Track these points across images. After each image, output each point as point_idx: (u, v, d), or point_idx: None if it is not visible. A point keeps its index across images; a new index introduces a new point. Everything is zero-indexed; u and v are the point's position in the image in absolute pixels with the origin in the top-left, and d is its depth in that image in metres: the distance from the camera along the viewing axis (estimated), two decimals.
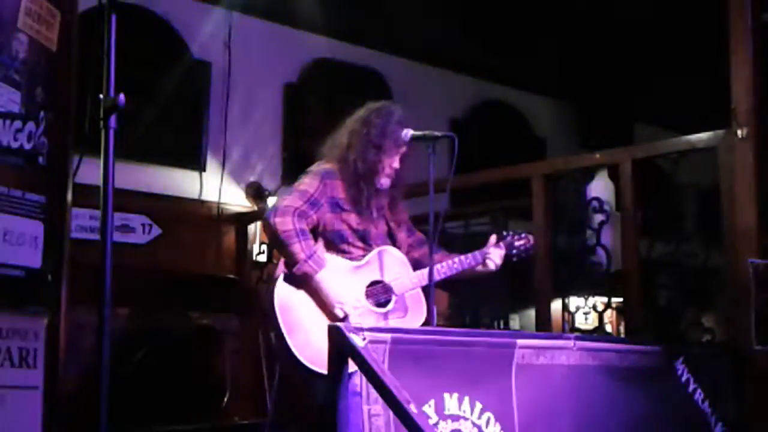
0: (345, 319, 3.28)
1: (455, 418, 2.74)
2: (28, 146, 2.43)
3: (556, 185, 4.94)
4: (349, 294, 3.34)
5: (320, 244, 3.42)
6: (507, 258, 3.75)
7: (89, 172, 2.48)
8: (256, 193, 6.74)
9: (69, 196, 2.61)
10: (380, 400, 2.44)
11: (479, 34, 7.39)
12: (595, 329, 5.06)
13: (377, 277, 3.47)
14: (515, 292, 5.84)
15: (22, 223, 2.40)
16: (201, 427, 4.83)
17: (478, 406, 2.80)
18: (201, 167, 6.63)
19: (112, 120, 2.32)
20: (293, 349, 3.19)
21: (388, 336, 2.58)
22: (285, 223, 3.29)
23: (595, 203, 4.83)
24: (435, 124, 6.68)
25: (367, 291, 3.43)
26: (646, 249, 4.51)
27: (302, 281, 3.30)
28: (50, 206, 2.51)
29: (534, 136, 8.99)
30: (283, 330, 3.21)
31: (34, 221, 2.45)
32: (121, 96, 2.32)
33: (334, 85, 7.20)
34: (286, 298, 3.29)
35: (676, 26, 6.97)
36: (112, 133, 2.32)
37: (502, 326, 5.85)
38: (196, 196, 6.58)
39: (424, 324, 3.48)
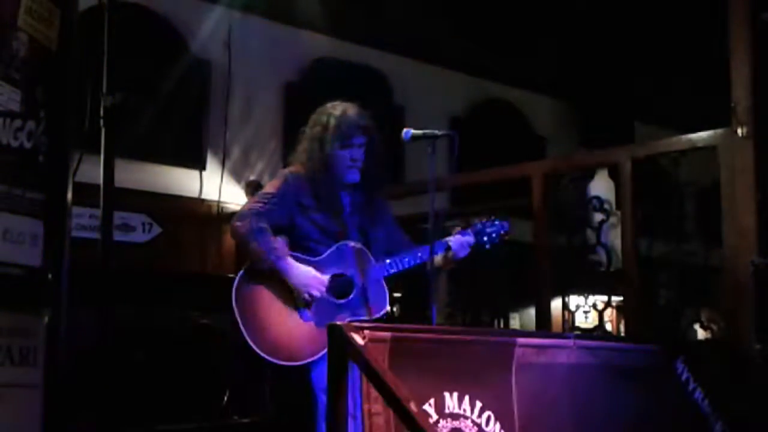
0: (312, 302, 3.42)
1: (455, 416, 2.75)
2: (28, 145, 2.42)
3: (556, 184, 4.94)
4: (313, 278, 3.44)
5: (282, 241, 3.52)
6: (479, 246, 3.74)
7: (89, 170, 2.48)
8: (256, 191, 6.73)
9: (69, 195, 2.61)
10: (380, 398, 2.44)
11: (480, 33, 7.39)
12: (595, 328, 5.06)
13: (338, 270, 3.53)
14: (515, 291, 5.85)
15: (22, 221, 2.40)
16: (201, 426, 4.82)
17: (478, 404, 2.80)
18: (201, 166, 6.63)
19: (112, 118, 2.33)
20: (247, 339, 3.32)
21: (388, 335, 2.58)
22: (244, 225, 3.44)
23: (595, 202, 4.83)
24: (435, 122, 6.69)
25: (328, 283, 3.50)
26: (646, 248, 4.51)
27: (265, 275, 3.42)
28: (50, 205, 2.51)
29: (534, 135, 8.99)
30: (239, 321, 3.34)
31: (34, 220, 2.45)
32: (121, 94, 2.33)
33: (334, 83, 7.17)
34: (242, 291, 3.41)
35: (676, 25, 6.97)
36: (112, 131, 2.33)
37: (502, 325, 5.85)
38: (196, 195, 6.59)
39: (424, 323, 3.49)
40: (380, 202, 3.78)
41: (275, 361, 3.29)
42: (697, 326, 4.42)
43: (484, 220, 3.81)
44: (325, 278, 3.47)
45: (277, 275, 3.41)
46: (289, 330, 3.37)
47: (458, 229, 3.78)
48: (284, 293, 3.44)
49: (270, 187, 3.61)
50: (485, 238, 3.76)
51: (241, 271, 3.47)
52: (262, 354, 3.30)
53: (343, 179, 3.61)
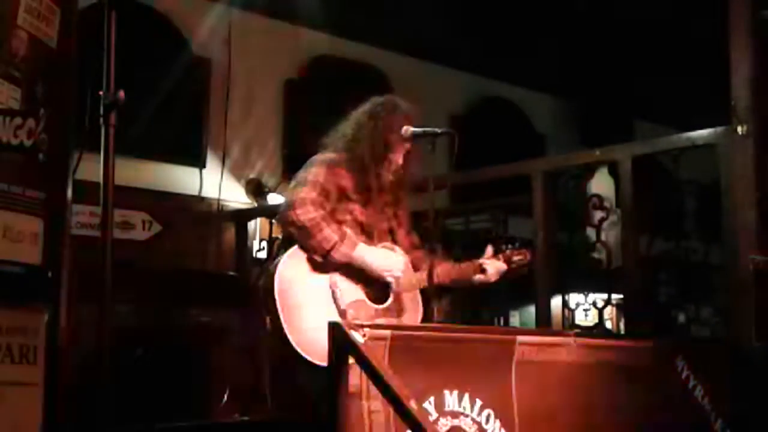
0: (395, 282, 3.36)
1: (455, 414, 2.75)
2: (28, 143, 2.43)
3: (556, 182, 4.94)
4: (394, 259, 3.39)
5: (346, 227, 3.36)
6: (507, 273, 3.66)
7: (89, 168, 2.48)
8: (256, 189, 6.75)
9: (69, 193, 2.61)
10: (380, 396, 2.44)
11: (480, 31, 7.39)
12: (595, 326, 5.06)
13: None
14: (515, 289, 5.84)
15: (22, 219, 2.40)
16: (201, 424, 4.82)
17: (478, 402, 2.80)
18: (201, 164, 6.63)
19: (112, 116, 2.33)
20: (287, 334, 3.15)
21: (388, 333, 2.58)
22: (307, 212, 3.24)
23: (595, 200, 4.83)
24: (435, 120, 6.67)
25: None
26: (646, 245, 4.51)
27: (316, 266, 3.28)
28: (50, 203, 2.51)
29: (534, 133, 9.00)
30: (280, 313, 3.17)
31: (34, 218, 2.45)
32: (121, 92, 2.33)
33: (334, 81, 7.19)
34: (286, 283, 3.24)
35: (676, 23, 6.97)
36: (112, 129, 2.33)
37: (502, 323, 5.85)
38: (196, 193, 6.59)
39: (425, 320, 3.49)
40: (404, 204, 3.69)
41: (311, 359, 3.10)
42: (697, 324, 4.42)
43: (511, 248, 3.70)
44: (401, 259, 3.41)
45: (349, 265, 3.29)
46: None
47: (489, 249, 3.67)
48: (331, 288, 3.30)
49: (315, 174, 3.38)
50: (513, 266, 3.67)
51: (283, 259, 3.28)
52: (299, 350, 3.13)
53: (386, 179, 3.50)
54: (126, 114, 2.37)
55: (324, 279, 3.31)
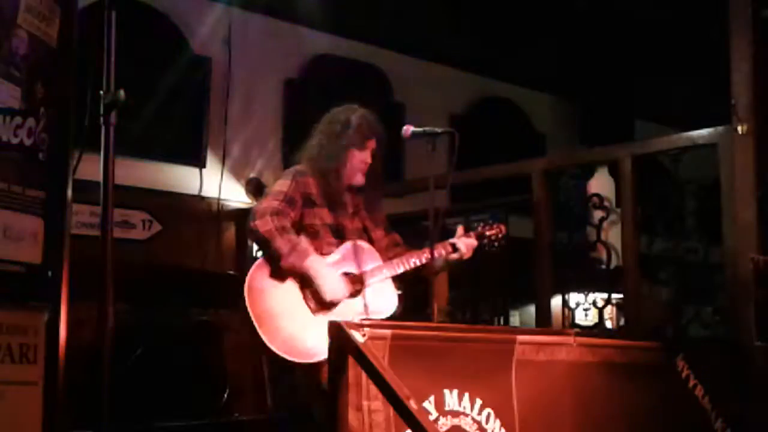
0: (335, 306, 3.41)
1: (455, 413, 2.75)
2: (28, 142, 2.42)
3: (556, 182, 4.94)
4: (339, 283, 3.43)
5: (303, 237, 3.48)
6: (480, 248, 3.76)
7: (89, 168, 2.48)
8: (256, 189, 6.74)
9: (69, 192, 2.61)
10: (380, 396, 2.44)
11: (480, 31, 7.39)
12: (595, 325, 5.06)
13: (349, 268, 3.53)
14: (515, 289, 5.85)
15: (22, 218, 2.40)
16: (201, 424, 4.82)
17: (479, 401, 2.80)
18: (201, 163, 6.63)
19: (112, 116, 2.32)
20: (263, 338, 3.29)
21: (388, 332, 2.58)
22: (265, 224, 3.40)
23: (595, 199, 4.83)
24: (435, 120, 6.68)
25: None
26: (646, 245, 4.51)
27: (279, 271, 3.39)
28: (50, 202, 2.51)
29: (534, 133, 8.99)
30: (253, 320, 3.32)
31: (35, 217, 2.45)
32: (121, 92, 2.32)
33: (334, 81, 7.19)
34: (256, 292, 3.38)
35: (676, 22, 6.96)
36: (112, 129, 2.33)
37: (502, 322, 5.85)
38: (196, 192, 6.59)
39: (425, 320, 3.49)
40: (379, 205, 3.81)
41: (290, 358, 3.26)
42: (697, 323, 4.42)
43: (483, 224, 3.83)
44: (349, 286, 3.47)
45: (299, 274, 3.39)
46: (304, 327, 3.35)
47: (460, 228, 3.77)
48: (300, 289, 3.42)
49: (281, 185, 3.58)
50: (485, 241, 3.79)
51: (253, 267, 3.44)
52: (278, 351, 3.27)
53: (352, 179, 3.64)
54: (126, 113, 2.37)
55: (293, 282, 3.42)
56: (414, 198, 3.94)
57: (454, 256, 3.68)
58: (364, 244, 3.61)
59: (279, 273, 3.41)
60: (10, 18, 2.39)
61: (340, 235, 3.58)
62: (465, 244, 3.70)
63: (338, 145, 3.60)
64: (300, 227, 3.54)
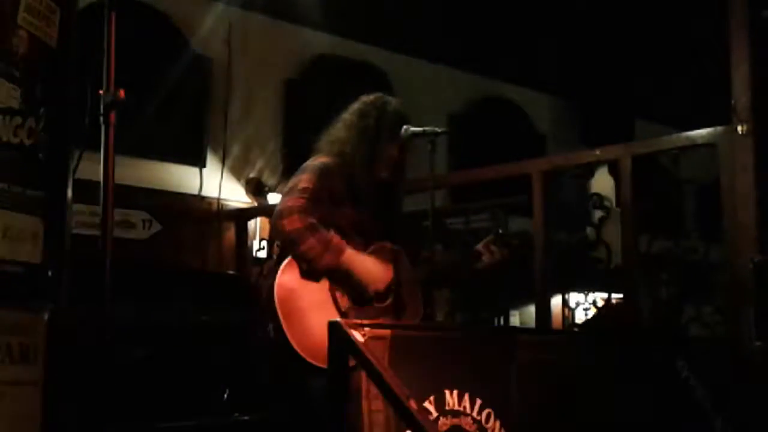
0: (376, 296, 3.32)
1: (455, 413, 2.75)
2: (28, 142, 2.43)
3: (557, 181, 4.94)
4: (381, 271, 3.34)
5: (332, 232, 3.31)
6: (509, 255, 3.73)
7: (90, 167, 2.48)
8: (256, 188, 6.75)
9: (69, 192, 2.61)
10: (380, 396, 2.44)
11: (480, 30, 7.39)
12: None
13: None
14: (515, 288, 5.84)
15: (22, 219, 2.40)
16: (201, 423, 4.82)
17: (479, 401, 2.80)
18: (201, 163, 6.64)
19: (112, 115, 2.33)
20: (291, 342, 3.13)
21: (388, 332, 2.58)
22: (292, 222, 3.20)
23: (595, 199, 4.83)
24: (434, 120, 6.67)
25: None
26: (646, 245, 4.51)
27: (317, 274, 3.24)
28: (50, 202, 2.51)
29: (534, 132, 8.99)
30: (282, 322, 3.15)
31: (35, 217, 2.45)
32: (121, 91, 2.33)
33: (334, 80, 7.19)
34: (286, 291, 3.22)
35: (676, 23, 6.96)
36: (112, 128, 2.33)
37: (502, 322, 5.85)
38: (196, 192, 6.59)
39: (424, 320, 3.49)
40: (399, 202, 3.69)
41: (317, 364, 3.06)
42: (697, 324, 4.42)
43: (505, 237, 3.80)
44: (390, 273, 3.37)
45: (336, 271, 3.24)
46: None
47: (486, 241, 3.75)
48: (329, 290, 3.28)
49: (305, 181, 3.32)
50: (510, 249, 3.75)
51: (282, 266, 3.24)
52: (304, 356, 3.11)
53: (380, 174, 3.47)
54: (126, 113, 2.37)
55: (323, 283, 3.28)
56: (413, 198, 3.93)
57: (482, 262, 3.68)
58: (391, 245, 3.47)
59: (309, 273, 3.24)
60: (10, 18, 2.40)
61: (364, 235, 3.42)
62: (492, 252, 3.68)
63: (370, 142, 3.42)
64: (325, 226, 3.33)
